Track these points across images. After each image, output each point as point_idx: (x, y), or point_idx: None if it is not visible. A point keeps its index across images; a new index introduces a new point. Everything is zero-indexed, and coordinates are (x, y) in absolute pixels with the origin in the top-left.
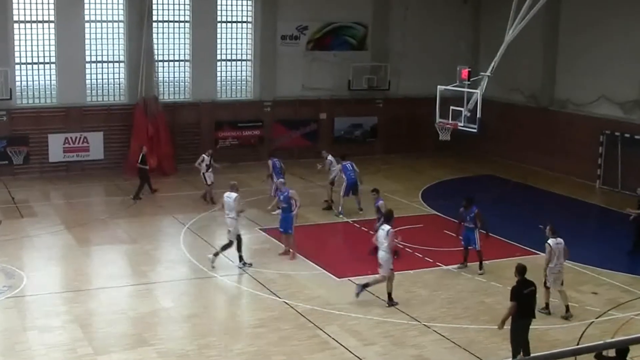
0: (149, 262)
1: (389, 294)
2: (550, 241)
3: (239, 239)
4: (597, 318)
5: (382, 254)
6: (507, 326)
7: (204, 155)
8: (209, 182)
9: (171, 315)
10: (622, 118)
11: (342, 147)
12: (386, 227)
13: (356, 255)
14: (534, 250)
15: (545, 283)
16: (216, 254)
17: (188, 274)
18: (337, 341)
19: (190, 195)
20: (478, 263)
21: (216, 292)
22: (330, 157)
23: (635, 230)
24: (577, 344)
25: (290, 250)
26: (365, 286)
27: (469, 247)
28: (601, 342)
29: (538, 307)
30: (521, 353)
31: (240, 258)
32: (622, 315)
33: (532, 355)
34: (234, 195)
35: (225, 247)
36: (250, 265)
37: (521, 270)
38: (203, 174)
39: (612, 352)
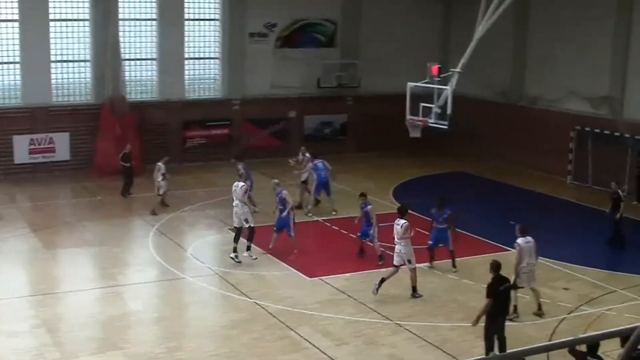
0: (117, 265)
1: (414, 287)
2: (520, 240)
3: (237, 231)
4: (569, 314)
5: (401, 248)
6: (482, 323)
7: (159, 164)
8: (161, 192)
9: (140, 318)
10: (592, 113)
11: (312, 146)
12: (402, 221)
13: (328, 255)
14: (506, 247)
15: (514, 283)
16: (235, 249)
17: (157, 276)
18: (309, 342)
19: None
20: (451, 261)
21: (186, 294)
22: (308, 155)
23: (612, 225)
24: (550, 340)
25: (295, 250)
26: (382, 282)
27: (440, 245)
28: (573, 337)
29: (451, 312)
30: (494, 350)
31: (234, 250)
32: (594, 310)
33: (505, 352)
34: (240, 184)
35: (236, 237)
36: (240, 262)
37: (496, 266)
38: (158, 183)
39: (583, 347)
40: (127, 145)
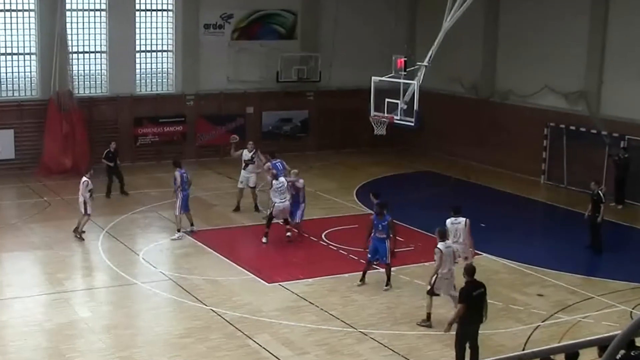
0: (65, 269)
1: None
2: (440, 245)
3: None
4: (543, 321)
5: (462, 247)
6: (452, 331)
7: (86, 178)
8: (89, 212)
9: (90, 326)
10: (566, 109)
11: (271, 143)
12: (461, 219)
13: (288, 259)
14: (476, 251)
15: (430, 290)
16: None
17: (107, 282)
18: (268, 351)
19: (108, 197)
20: (386, 278)
21: (138, 300)
22: (261, 155)
23: (591, 228)
24: (523, 349)
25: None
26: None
27: (375, 261)
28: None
29: (418, 319)
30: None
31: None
32: (570, 318)
33: None
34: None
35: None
36: None
37: (470, 271)
38: (85, 201)
39: (560, 357)
40: (111, 144)
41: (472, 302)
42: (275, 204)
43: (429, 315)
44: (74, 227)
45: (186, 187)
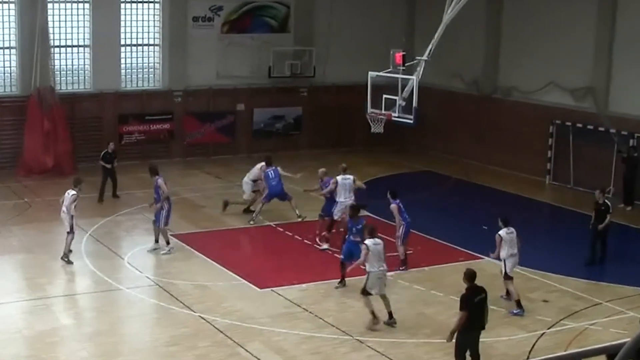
0: (46, 274)
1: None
2: (368, 242)
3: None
4: (548, 329)
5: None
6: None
7: (75, 192)
8: (74, 230)
9: (72, 334)
10: (573, 106)
11: (262, 143)
12: (512, 228)
13: (280, 263)
14: (478, 255)
15: (364, 288)
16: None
17: (91, 287)
18: None
19: (92, 197)
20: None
21: (123, 307)
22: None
23: (593, 241)
24: (527, 358)
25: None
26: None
27: (350, 262)
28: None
29: (417, 327)
30: None
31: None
32: (576, 325)
33: None
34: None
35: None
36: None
37: (471, 276)
38: (71, 217)
39: None
40: (109, 144)
41: (473, 308)
42: (340, 202)
43: (373, 313)
44: (62, 253)
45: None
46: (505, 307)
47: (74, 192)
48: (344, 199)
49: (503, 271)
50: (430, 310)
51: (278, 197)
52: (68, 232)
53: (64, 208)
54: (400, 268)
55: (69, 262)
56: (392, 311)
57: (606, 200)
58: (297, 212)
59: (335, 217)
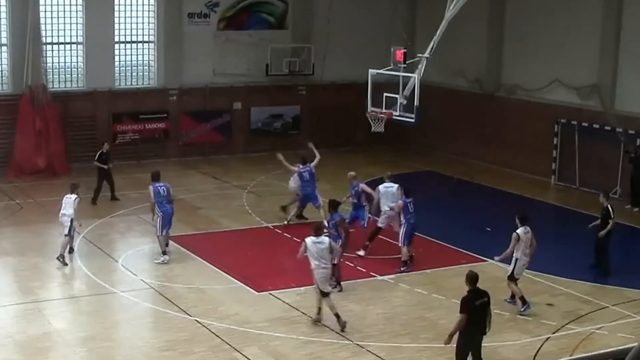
0: (38, 277)
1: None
2: (308, 240)
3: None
4: (553, 333)
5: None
6: (453, 343)
7: (72, 196)
8: (72, 232)
9: (65, 339)
10: (578, 105)
11: (260, 142)
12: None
13: (278, 266)
14: (481, 257)
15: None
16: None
17: (84, 290)
18: None
19: (85, 198)
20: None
21: (117, 311)
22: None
23: (604, 246)
24: None
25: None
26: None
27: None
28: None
29: (419, 331)
30: None
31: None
32: (582, 329)
33: None
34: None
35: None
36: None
37: (472, 278)
38: (72, 220)
39: None
40: (104, 144)
41: (474, 312)
42: (384, 211)
43: (320, 310)
44: (58, 254)
45: (164, 202)
46: (510, 311)
47: (75, 195)
48: (388, 208)
49: (510, 271)
50: (432, 314)
51: (309, 201)
52: (66, 235)
53: (64, 212)
54: (401, 269)
55: (64, 264)
56: (339, 314)
57: (608, 205)
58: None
59: (380, 225)
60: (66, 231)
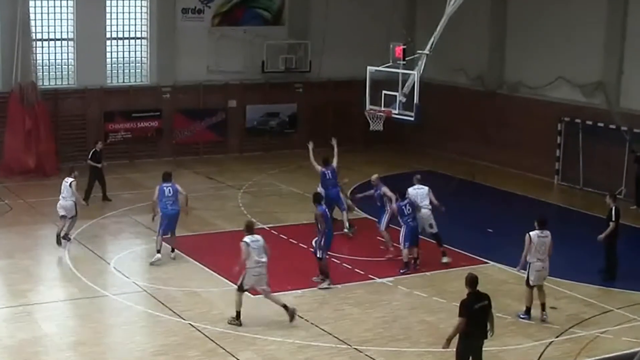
0: (28, 280)
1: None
2: (247, 239)
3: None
4: (557, 337)
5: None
6: (453, 347)
7: (72, 179)
8: (71, 215)
9: (55, 343)
10: (583, 102)
11: (255, 141)
12: (547, 232)
13: (275, 268)
14: (482, 259)
15: (240, 284)
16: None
17: (75, 293)
18: None
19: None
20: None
21: (109, 314)
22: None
23: (608, 249)
24: None
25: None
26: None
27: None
28: None
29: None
30: None
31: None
32: (586, 333)
33: None
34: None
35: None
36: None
37: (472, 281)
38: (76, 203)
39: None
40: (97, 143)
41: (474, 315)
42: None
43: (238, 314)
44: (63, 233)
45: (167, 203)
46: (512, 315)
47: (71, 179)
48: (422, 210)
49: (525, 276)
50: (432, 318)
51: (335, 203)
52: (73, 217)
53: (64, 194)
54: (400, 271)
55: (67, 239)
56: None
57: (613, 207)
58: (347, 224)
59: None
60: (72, 213)
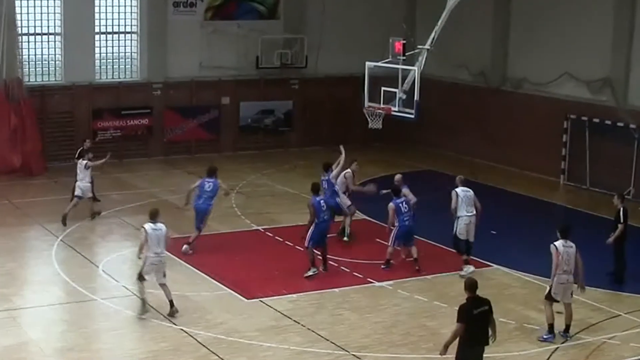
0: (12, 284)
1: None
2: (147, 225)
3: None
4: (562, 343)
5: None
6: (452, 354)
7: (85, 160)
8: (87, 196)
9: (42, 349)
10: (589, 99)
11: (249, 139)
12: (571, 242)
13: (269, 271)
14: (485, 262)
15: (140, 274)
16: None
17: (62, 298)
18: None
19: (64, 200)
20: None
21: (97, 319)
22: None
23: (616, 252)
24: None
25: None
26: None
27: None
28: None
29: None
30: None
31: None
32: (593, 339)
33: None
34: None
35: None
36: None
37: (471, 285)
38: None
39: None
40: (85, 141)
41: (473, 321)
42: (461, 217)
43: (144, 301)
44: (91, 212)
45: (203, 197)
46: (516, 320)
47: (86, 160)
48: (466, 213)
49: (547, 289)
50: (433, 323)
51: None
52: (90, 198)
53: (80, 176)
54: (382, 266)
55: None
56: (173, 300)
57: (621, 208)
58: (348, 231)
59: (461, 237)
60: (90, 194)
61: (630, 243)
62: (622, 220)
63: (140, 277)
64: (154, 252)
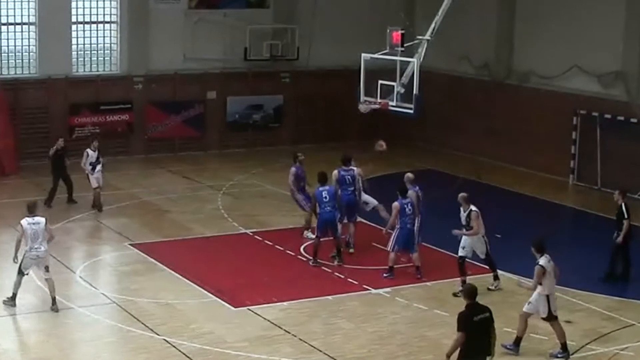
0: None
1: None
2: (24, 221)
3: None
4: (572, 354)
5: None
6: None
7: (88, 150)
8: (95, 186)
9: None
10: (600, 94)
11: (237, 136)
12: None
13: (258, 278)
14: (489, 267)
15: (20, 268)
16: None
17: (37, 306)
18: None
19: (39, 201)
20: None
21: (74, 329)
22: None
23: (623, 249)
24: None
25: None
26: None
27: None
28: None
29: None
30: None
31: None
32: (605, 349)
33: None
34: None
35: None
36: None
37: (470, 292)
38: (88, 175)
39: None
40: (59, 140)
41: (473, 329)
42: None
43: (14, 295)
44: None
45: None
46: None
47: (92, 150)
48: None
49: (546, 311)
50: (434, 333)
51: (347, 210)
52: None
53: (90, 166)
54: (384, 275)
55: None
56: (56, 297)
57: (623, 204)
58: (352, 242)
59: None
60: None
61: (636, 243)
62: (626, 216)
63: (20, 272)
64: (31, 247)
